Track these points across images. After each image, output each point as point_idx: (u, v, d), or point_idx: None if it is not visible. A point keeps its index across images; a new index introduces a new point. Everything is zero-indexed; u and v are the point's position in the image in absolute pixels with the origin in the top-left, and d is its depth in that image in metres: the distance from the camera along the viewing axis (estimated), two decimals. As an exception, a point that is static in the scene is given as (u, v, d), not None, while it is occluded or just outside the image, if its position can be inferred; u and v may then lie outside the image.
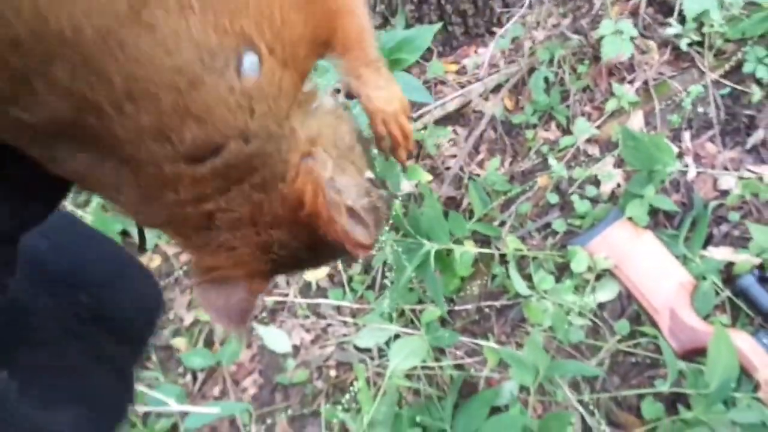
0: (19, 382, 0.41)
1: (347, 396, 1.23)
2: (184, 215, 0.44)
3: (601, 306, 1.28)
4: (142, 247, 0.52)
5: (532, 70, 1.53)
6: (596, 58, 1.49)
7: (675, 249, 1.24)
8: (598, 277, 1.28)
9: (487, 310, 1.37)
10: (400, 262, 1.25)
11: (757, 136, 1.32)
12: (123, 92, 0.38)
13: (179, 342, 1.55)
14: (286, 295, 1.53)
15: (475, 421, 1.15)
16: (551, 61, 1.51)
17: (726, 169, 1.31)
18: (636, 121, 1.42)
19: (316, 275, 1.52)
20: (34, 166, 0.40)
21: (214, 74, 0.40)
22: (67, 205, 1.54)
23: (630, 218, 1.27)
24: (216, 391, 1.49)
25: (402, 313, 1.37)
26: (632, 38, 1.42)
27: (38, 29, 0.34)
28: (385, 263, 1.40)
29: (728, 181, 1.29)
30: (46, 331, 0.44)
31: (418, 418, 1.19)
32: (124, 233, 1.57)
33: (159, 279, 1.65)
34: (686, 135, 1.37)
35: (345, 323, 1.46)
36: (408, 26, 1.64)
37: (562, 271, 1.32)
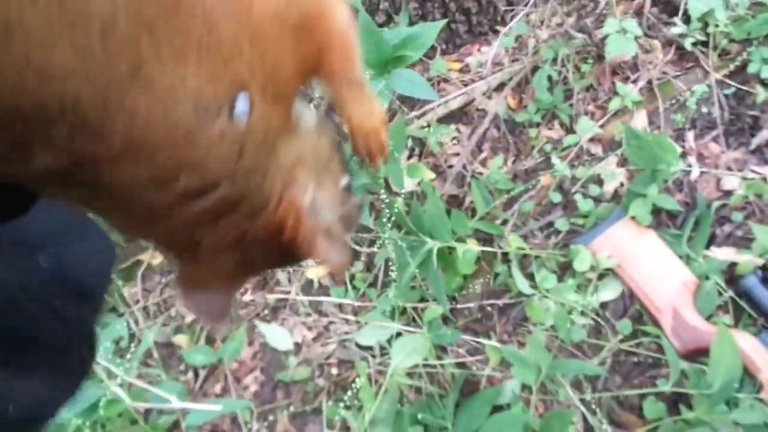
0: None
1: (349, 393, 1.23)
2: (170, 240, 0.47)
3: (604, 305, 1.28)
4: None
5: (535, 69, 1.53)
6: (600, 57, 1.49)
7: (678, 249, 1.24)
8: (601, 277, 1.28)
9: (489, 308, 1.37)
10: (402, 259, 1.25)
11: (762, 136, 1.32)
12: (120, 149, 0.38)
13: (181, 339, 1.55)
14: (288, 292, 1.53)
15: (477, 419, 1.15)
16: (555, 60, 1.51)
17: (729, 169, 1.31)
18: (639, 121, 1.41)
19: (318, 273, 1.52)
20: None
21: (207, 124, 0.40)
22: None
23: (633, 217, 1.27)
24: (217, 388, 1.49)
25: (404, 311, 1.37)
26: (636, 37, 1.41)
27: (40, 100, 0.35)
28: (387, 261, 1.40)
29: (732, 181, 1.29)
30: (11, 302, 0.44)
31: (419, 416, 1.19)
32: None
33: (161, 276, 1.65)
34: (690, 135, 1.37)
35: (347, 321, 1.46)
36: (411, 23, 1.63)
37: (565, 270, 1.32)
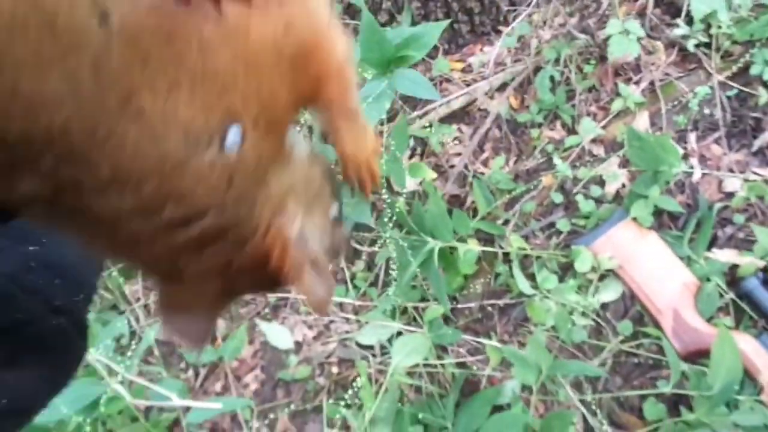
0: None
1: (349, 392, 1.23)
2: (153, 266, 0.46)
3: (604, 306, 1.28)
4: None
5: (538, 69, 1.52)
6: (602, 58, 1.49)
7: (679, 250, 1.24)
8: (602, 278, 1.28)
9: (489, 308, 1.37)
10: (403, 259, 1.25)
11: (764, 138, 1.32)
12: (106, 179, 0.38)
13: (181, 336, 1.55)
14: (289, 291, 1.53)
15: (477, 419, 1.15)
16: (557, 61, 1.51)
17: (731, 171, 1.31)
18: (642, 122, 1.41)
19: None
20: None
21: (197, 154, 0.40)
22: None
23: (634, 219, 1.27)
24: (218, 386, 1.49)
25: (405, 311, 1.37)
26: (639, 38, 1.41)
27: (26, 129, 0.34)
28: (388, 260, 1.40)
29: (734, 183, 1.29)
30: (4, 294, 0.44)
31: (419, 416, 1.19)
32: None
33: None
34: (692, 136, 1.37)
35: (347, 320, 1.46)
36: (414, 23, 1.63)
37: (566, 270, 1.32)
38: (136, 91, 0.36)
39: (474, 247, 1.34)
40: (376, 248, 1.45)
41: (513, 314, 1.35)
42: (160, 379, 1.42)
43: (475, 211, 1.43)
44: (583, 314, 1.25)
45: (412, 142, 1.57)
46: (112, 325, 1.32)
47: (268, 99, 0.43)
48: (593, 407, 1.16)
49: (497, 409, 1.20)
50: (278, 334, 1.45)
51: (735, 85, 1.38)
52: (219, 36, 0.40)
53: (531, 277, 1.31)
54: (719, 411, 1.05)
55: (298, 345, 1.47)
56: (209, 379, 1.51)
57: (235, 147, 0.41)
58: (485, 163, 1.52)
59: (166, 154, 0.38)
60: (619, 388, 1.22)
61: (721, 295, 1.20)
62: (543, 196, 1.43)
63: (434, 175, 1.49)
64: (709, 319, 1.19)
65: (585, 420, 1.18)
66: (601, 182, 1.38)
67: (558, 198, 1.40)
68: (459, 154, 1.54)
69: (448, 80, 1.64)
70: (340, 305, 1.48)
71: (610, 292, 1.27)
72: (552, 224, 1.39)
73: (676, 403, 1.16)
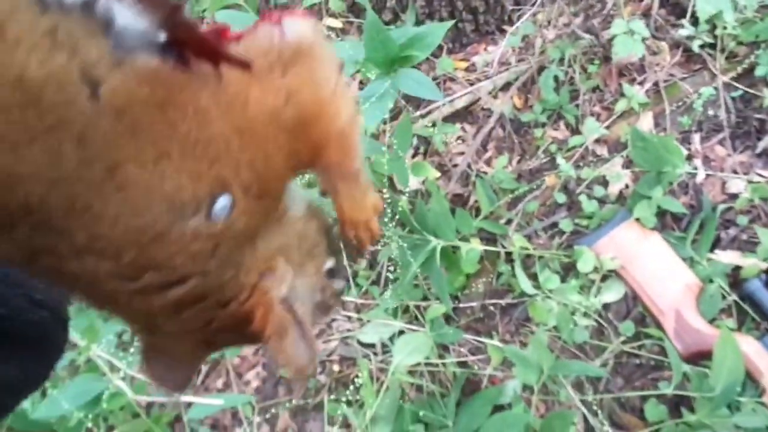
0: None
1: (350, 388, 1.24)
2: (131, 321, 0.45)
3: (606, 307, 1.28)
4: None
5: (542, 69, 1.52)
6: (607, 58, 1.48)
7: (682, 251, 1.24)
8: (604, 278, 1.27)
9: (491, 308, 1.37)
10: (405, 258, 1.25)
11: (768, 139, 1.31)
12: (83, 247, 0.36)
13: (183, 333, 1.55)
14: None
15: (478, 418, 1.15)
16: (561, 60, 1.50)
17: (735, 172, 1.30)
18: (645, 123, 1.41)
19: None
20: None
21: (180, 224, 0.38)
22: None
23: (637, 219, 1.27)
24: (219, 383, 1.49)
25: (406, 310, 1.37)
26: (644, 39, 1.41)
27: (2, 201, 0.33)
28: (390, 259, 1.40)
29: (737, 184, 1.29)
30: None
31: (420, 414, 1.19)
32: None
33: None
34: (696, 137, 1.37)
35: (349, 318, 1.46)
36: (418, 22, 1.63)
37: (568, 270, 1.32)
38: (122, 163, 0.35)
39: (476, 246, 1.34)
40: (378, 247, 1.45)
41: (515, 314, 1.35)
42: (162, 376, 1.42)
43: (478, 211, 1.42)
44: (585, 314, 1.25)
45: (415, 141, 1.57)
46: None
47: (263, 168, 0.41)
48: (594, 408, 1.16)
49: (498, 408, 1.20)
50: (280, 332, 1.45)
51: (740, 86, 1.38)
52: (216, 104, 0.38)
53: (533, 277, 1.31)
54: (721, 413, 1.05)
55: (300, 343, 1.47)
56: (210, 376, 1.51)
57: (223, 214, 0.39)
58: (488, 163, 1.52)
59: (147, 224, 0.37)
60: (621, 389, 1.22)
61: (724, 297, 1.20)
62: (546, 195, 1.43)
63: (437, 174, 1.49)
64: (712, 321, 1.19)
65: (586, 420, 1.18)
66: (605, 182, 1.38)
67: (561, 198, 1.40)
68: (462, 153, 1.54)
69: (451, 79, 1.64)
70: (342, 303, 1.48)
71: (612, 293, 1.26)
72: (555, 224, 1.38)
73: (677, 405, 1.16)
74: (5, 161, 0.32)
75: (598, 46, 1.49)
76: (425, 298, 1.38)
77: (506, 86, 1.58)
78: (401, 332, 1.29)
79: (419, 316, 1.35)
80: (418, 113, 1.60)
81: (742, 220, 1.25)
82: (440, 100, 1.55)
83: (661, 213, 1.28)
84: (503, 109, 1.54)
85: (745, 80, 1.38)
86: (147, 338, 0.47)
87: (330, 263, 0.52)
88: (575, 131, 1.47)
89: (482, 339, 1.32)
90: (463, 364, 1.31)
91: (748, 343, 1.11)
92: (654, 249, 1.25)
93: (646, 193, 1.27)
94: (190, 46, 0.37)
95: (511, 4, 1.67)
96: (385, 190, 1.23)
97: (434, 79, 1.62)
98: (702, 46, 1.43)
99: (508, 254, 1.36)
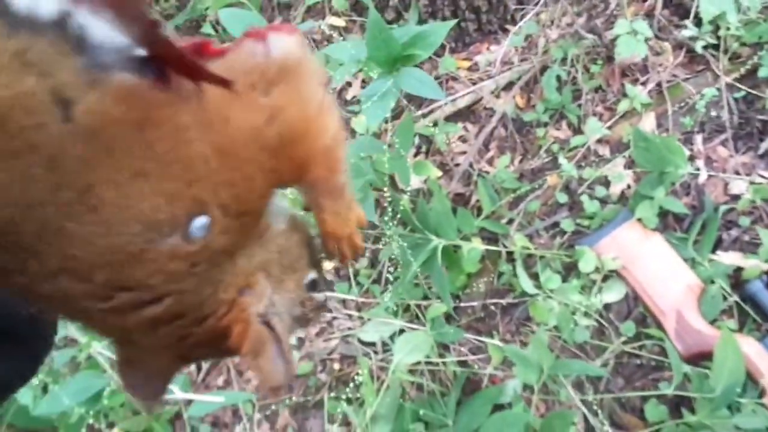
0: None
1: (350, 386, 1.24)
2: (106, 335, 0.45)
3: (607, 307, 1.27)
4: None
5: (544, 69, 1.52)
6: (610, 59, 1.48)
7: (684, 252, 1.24)
8: (605, 278, 1.27)
9: (492, 307, 1.37)
10: (406, 257, 1.25)
11: (770, 140, 1.31)
12: (55, 268, 0.35)
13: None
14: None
15: (478, 418, 1.15)
16: (564, 60, 1.50)
17: (737, 173, 1.30)
18: (648, 123, 1.41)
19: (325, 267, 1.52)
20: None
21: (156, 244, 0.36)
22: None
23: (639, 220, 1.27)
24: (220, 381, 1.49)
25: (407, 308, 1.37)
26: (647, 39, 1.40)
27: None
28: (391, 258, 1.40)
29: (739, 185, 1.28)
30: None
31: (420, 413, 1.19)
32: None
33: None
34: (698, 138, 1.37)
35: (350, 317, 1.46)
36: (421, 21, 1.63)
37: (569, 270, 1.32)
38: (95, 185, 0.33)
39: (478, 245, 1.34)
40: (379, 246, 1.45)
41: (515, 313, 1.35)
42: (163, 373, 1.43)
43: (480, 210, 1.42)
44: (586, 314, 1.25)
45: (417, 140, 1.57)
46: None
47: (243, 187, 0.40)
48: (594, 407, 1.16)
49: (498, 408, 1.20)
50: (281, 330, 1.45)
51: (742, 87, 1.37)
52: (195, 122, 0.37)
53: (534, 277, 1.31)
54: (721, 413, 1.05)
55: (300, 341, 1.48)
56: (211, 373, 1.51)
57: (201, 234, 0.38)
58: (490, 162, 1.52)
59: (121, 244, 0.36)
60: (621, 389, 1.22)
61: (725, 298, 1.19)
62: (548, 195, 1.42)
63: (439, 173, 1.49)
64: (713, 322, 1.19)
65: (586, 420, 1.18)
66: (606, 183, 1.38)
67: (563, 198, 1.40)
68: (464, 153, 1.54)
69: (454, 78, 1.64)
70: (343, 302, 1.49)
71: (613, 293, 1.26)
72: (556, 224, 1.38)
73: (677, 405, 1.16)
74: None
75: (601, 46, 1.49)
76: (426, 297, 1.38)
77: (509, 86, 1.58)
78: (402, 331, 1.29)
79: (420, 315, 1.35)
80: (420, 112, 1.60)
81: (744, 221, 1.25)
82: (442, 99, 1.55)
83: (662, 213, 1.28)
84: (505, 108, 1.54)
85: (748, 81, 1.38)
86: (122, 351, 0.46)
87: (311, 275, 0.51)
88: (577, 131, 1.47)
89: (483, 338, 1.32)
90: (463, 364, 1.31)
91: (749, 344, 1.11)
92: (655, 249, 1.25)
93: (648, 193, 1.27)
94: (169, 62, 0.36)
95: (514, 3, 1.67)
96: (386, 189, 1.23)
97: (437, 78, 1.62)
98: (705, 47, 1.43)
99: (510, 254, 1.36)
